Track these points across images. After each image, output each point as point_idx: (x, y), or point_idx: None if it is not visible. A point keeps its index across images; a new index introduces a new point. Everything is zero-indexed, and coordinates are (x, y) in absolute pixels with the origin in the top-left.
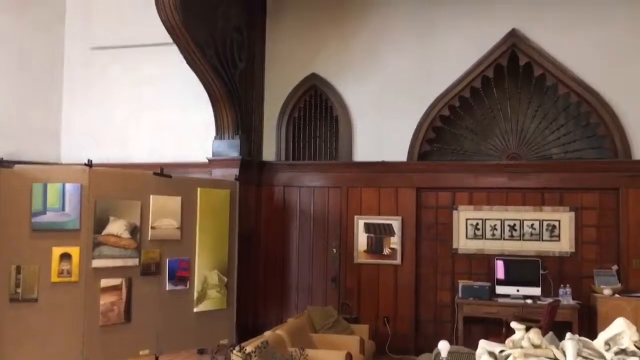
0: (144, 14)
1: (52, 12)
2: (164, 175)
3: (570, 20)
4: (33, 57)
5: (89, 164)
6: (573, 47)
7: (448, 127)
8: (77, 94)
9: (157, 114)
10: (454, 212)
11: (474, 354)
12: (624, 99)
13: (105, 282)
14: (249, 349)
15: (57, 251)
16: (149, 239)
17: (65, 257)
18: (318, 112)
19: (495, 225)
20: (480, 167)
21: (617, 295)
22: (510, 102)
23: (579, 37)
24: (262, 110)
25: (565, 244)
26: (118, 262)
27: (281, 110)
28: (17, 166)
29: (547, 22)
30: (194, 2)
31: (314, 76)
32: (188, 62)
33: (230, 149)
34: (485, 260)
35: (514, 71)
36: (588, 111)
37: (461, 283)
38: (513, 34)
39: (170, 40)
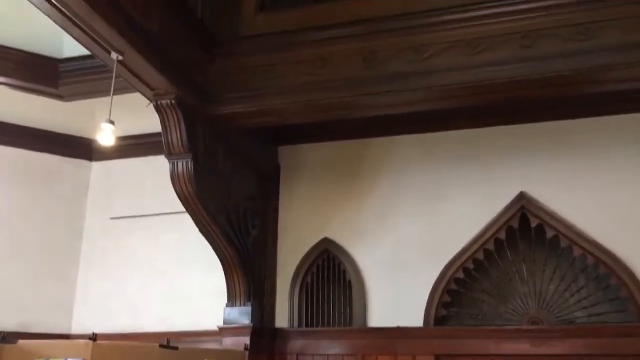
0: (160, 184)
1: (76, 186)
2: (170, 347)
3: (578, 181)
4: (53, 230)
5: (93, 338)
6: (584, 208)
7: (464, 290)
8: (93, 264)
9: (170, 281)
10: None
11: None
12: None
13: None
14: None
15: None
16: None
17: None
18: (331, 277)
19: None
20: (500, 333)
21: None
22: (526, 263)
23: (589, 198)
24: (274, 276)
25: None
26: None
27: (294, 275)
28: (20, 341)
29: (555, 183)
30: (207, 174)
31: (326, 241)
32: (201, 231)
33: (242, 316)
34: None
35: (526, 233)
36: (607, 273)
37: None
38: (522, 197)
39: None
